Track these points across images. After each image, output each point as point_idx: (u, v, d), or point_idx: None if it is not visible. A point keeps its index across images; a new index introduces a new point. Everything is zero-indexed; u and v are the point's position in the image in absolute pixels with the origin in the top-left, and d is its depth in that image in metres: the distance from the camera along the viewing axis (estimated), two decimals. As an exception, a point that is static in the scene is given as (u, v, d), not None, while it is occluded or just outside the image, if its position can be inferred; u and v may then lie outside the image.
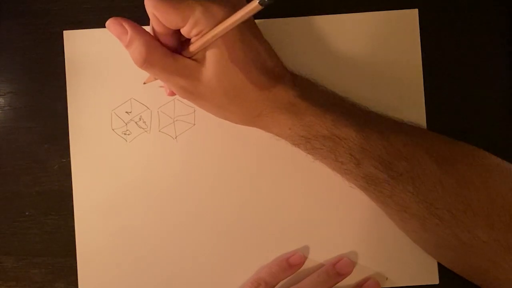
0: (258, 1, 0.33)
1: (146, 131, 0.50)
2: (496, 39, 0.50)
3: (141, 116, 0.50)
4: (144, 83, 0.49)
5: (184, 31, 0.39)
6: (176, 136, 0.50)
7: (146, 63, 0.40)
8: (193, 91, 0.42)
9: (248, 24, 0.41)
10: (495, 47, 0.50)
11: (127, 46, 0.40)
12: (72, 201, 0.50)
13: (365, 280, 0.49)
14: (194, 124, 0.50)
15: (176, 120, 0.50)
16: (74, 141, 0.50)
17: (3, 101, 0.50)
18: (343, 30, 0.50)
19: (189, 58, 0.41)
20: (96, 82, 0.50)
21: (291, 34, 0.50)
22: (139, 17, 0.41)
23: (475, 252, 0.41)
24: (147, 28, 0.41)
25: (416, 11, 0.50)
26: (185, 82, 0.41)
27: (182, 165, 0.50)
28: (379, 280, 0.49)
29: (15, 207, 0.50)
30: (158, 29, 0.40)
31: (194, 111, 0.50)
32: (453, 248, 0.42)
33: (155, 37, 0.41)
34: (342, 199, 0.49)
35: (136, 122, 0.50)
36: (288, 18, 0.50)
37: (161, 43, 0.41)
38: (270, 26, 0.50)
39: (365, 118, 0.44)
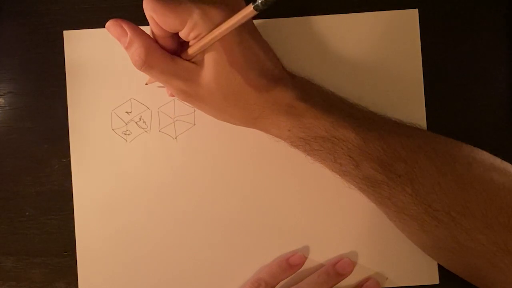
0: (252, 6, 0.33)
1: (146, 131, 0.50)
2: (496, 39, 0.50)
3: (141, 116, 0.50)
4: (146, 84, 0.49)
5: (182, 34, 0.39)
6: (176, 136, 0.50)
7: (145, 65, 0.40)
8: (192, 93, 0.42)
9: (246, 27, 0.41)
10: (495, 47, 0.50)
11: (127, 48, 0.40)
12: (72, 201, 0.50)
13: (365, 280, 0.49)
14: (194, 124, 0.50)
15: (176, 120, 0.50)
16: (74, 141, 0.50)
17: (3, 101, 0.50)
18: (343, 30, 0.50)
19: (188, 60, 0.41)
20: (96, 82, 0.50)
21: (291, 34, 0.50)
22: (139, 17, 0.41)
23: (474, 254, 0.41)
24: (147, 29, 0.41)
25: (416, 11, 0.50)
26: (184, 85, 0.41)
27: (182, 165, 0.50)
28: (379, 280, 0.49)
29: (15, 207, 0.50)
30: (157, 31, 0.40)
31: (194, 111, 0.50)
32: (452, 250, 0.42)
33: (154, 39, 0.41)
34: (342, 199, 0.49)
35: (136, 122, 0.50)
36: (288, 18, 0.50)
37: (160, 45, 0.41)
38: (270, 26, 0.50)
39: (364, 119, 0.44)
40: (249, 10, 0.34)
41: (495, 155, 0.43)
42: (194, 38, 0.39)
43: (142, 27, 0.41)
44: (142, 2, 0.38)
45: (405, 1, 0.50)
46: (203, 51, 0.40)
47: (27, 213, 0.50)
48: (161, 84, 0.47)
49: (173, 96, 0.49)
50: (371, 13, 0.50)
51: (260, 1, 0.32)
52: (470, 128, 0.50)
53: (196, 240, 0.50)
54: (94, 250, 0.50)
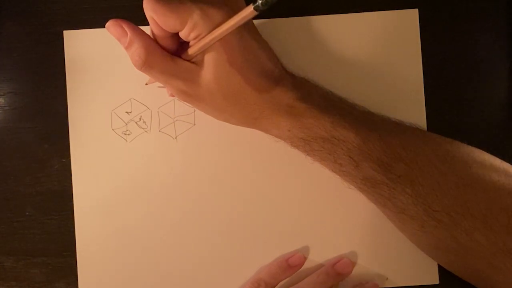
0: (252, 7, 0.33)
1: (146, 131, 0.50)
2: (496, 39, 0.50)
3: (141, 116, 0.50)
4: (146, 84, 0.49)
5: (182, 34, 0.39)
6: (176, 136, 0.50)
7: (145, 65, 0.40)
8: (192, 94, 0.42)
9: (246, 27, 0.41)
10: (495, 47, 0.50)
11: (127, 48, 0.40)
12: (72, 201, 0.50)
13: (365, 282, 0.49)
14: (194, 124, 0.50)
15: (176, 120, 0.50)
16: (74, 141, 0.50)
17: (3, 101, 0.50)
18: (343, 30, 0.50)
19: (188, 61, 0.41)
20: (96, 82, 0.50)
21: (291, 34, 0.50)
22: (139, 17, 0.41)
23: (474, 254, 0.41)
24: (147, 29, 0.41)
25: (416, 11, 0.50)
26: (184, 85, 0.41)
27: (182, 165, 0.50)
28: (379, 280, 0.49)
29: (15, 207, 0.50)
30: (157, 32, 0.40)
31: (194, 111, 0.50)
32: (452, 250, 0.42)
33: (154, 39, 0.41)
34: (342, 199, 0.49)
35: (136, 122, 0.50)
36: (288, 18, 0.50)
37: (160, 45, 0.41)
38: (270, 26, 0.50)
39: (365, 119, 0.44)
40: (249, 10, 0.34)
41: (495, 155, 0.43)
42: (194, 39, 0.39)
43: (142, 27, 0.41)
44: (142, 2, 0.38)
45: (405, 1, 0.50)
46: (203, 52, 0.40)
47: (27, 213, 0.50)
48: (161, 84, 0.47)
49: (173, 96, 0.49)
50: (371, 13, 0.50)
51: (260, 2, 0.32)
52: (470, 128, 0.50)
53: (196, 240, 0.50)
54: (94, 250, 0.50)
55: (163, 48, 0.41)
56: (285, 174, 0.50)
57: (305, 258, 0.49)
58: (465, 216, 0.40)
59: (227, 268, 0.50)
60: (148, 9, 0.38)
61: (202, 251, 0.50)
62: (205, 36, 0.38)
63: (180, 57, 0.41)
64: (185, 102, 0.48)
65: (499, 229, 0.39)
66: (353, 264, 0.49)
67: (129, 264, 0.50)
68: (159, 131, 0.50)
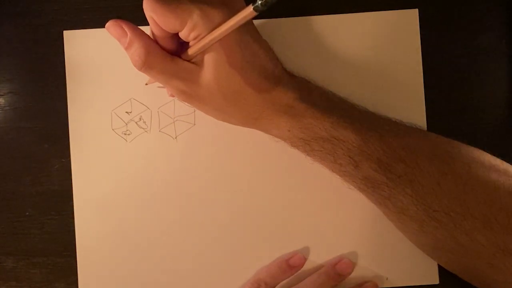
0: (252, 7, 0.33)
1: (146, 131, 0.50)
2: (496, 39, 0.50)
3: (141, 116, 0.50)
4: (146, 84, 0.49)
5: (182, 35, 0.39)
6: (176, 136, 0.50)
7: (145, 65, 0.40)
8: (192, 94, 0.42)
9: (246, 27, 0.41)
10: (495, 47, 0.50)
11: (127, 48, 0.40)
12: (72, 201, 0.50)
13: (364, 282, 0.49)
14: (194, 124, 0.50)
15: (176, 120, 0.50)
16: (74, 141, 0.50)
17: (3, 101, 0.50)
18: (343, 30, 0.50)
19: (188, 61, 0.41)
20: (96, 82, 0.50)
21: (291, 34, 0.50)
22: (139, 18, 0.41)
23: (474, 255, 0.41)
24: (147, 29, 0.41)
25: (416, 11, 0.50)
26: (184, 85, 0.41)
27: (182, 165, 0.50)
28: (379, 280, 0.49)
29: (15, 207, 0.50)
30: (157, 32, 0.40)
31: (194, 111, 0.50)
32: (452, 251, 0.42)
33: (154, 40, 0.41)
34: (342, 199, 0.49)
35: (136, 122, 0.50)
36: (288, 18, 0.50)
37: (160, 46, 0.41)
38: (270, 26, 0.50)
39: (364, 119, 0.44)
40: (249, 11, 0.34)
41: (495, 155, 0.43)
42: (194, 39, 0.39)
43: (142, 27, 0.41)
44: (142, 2, 0.38)
45: (405, 1, 0.50)
46: (203, 52, 0.40)
47: (27, 213, 0.50)
48: (161, 84, 0.47)
49: (173, 96, 0.49)
50: (371, 13, 0.50)
51: (260, 2, 0.32)
52: (470, 128, 0.50)
53: (196, 241, 0.50)
54: (94, 250, 0.50)
55: (163, 48, 0.41)
56: (285, 174, 0.50)
57: (305, 259, 0.49)
58: (465, 216, 0.40)
59: (227, 268, 0.50)
60: (148, 9, 0.38)
61: (202, 251, 0.50)
62: (205, 36, 0.38)
63: (180, 57, 0.41)
64: (185, 102, 0.48)
65: (499, 229, 0.39)
66: (354, 264, 0.49)
67: (129, 264, 0.50)
68: (159, 131, 0.50)
